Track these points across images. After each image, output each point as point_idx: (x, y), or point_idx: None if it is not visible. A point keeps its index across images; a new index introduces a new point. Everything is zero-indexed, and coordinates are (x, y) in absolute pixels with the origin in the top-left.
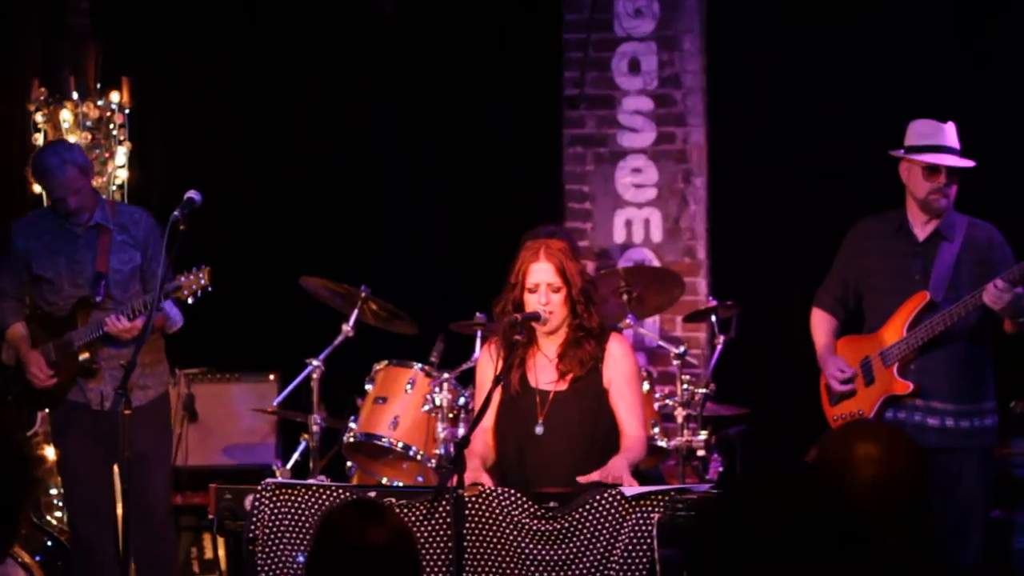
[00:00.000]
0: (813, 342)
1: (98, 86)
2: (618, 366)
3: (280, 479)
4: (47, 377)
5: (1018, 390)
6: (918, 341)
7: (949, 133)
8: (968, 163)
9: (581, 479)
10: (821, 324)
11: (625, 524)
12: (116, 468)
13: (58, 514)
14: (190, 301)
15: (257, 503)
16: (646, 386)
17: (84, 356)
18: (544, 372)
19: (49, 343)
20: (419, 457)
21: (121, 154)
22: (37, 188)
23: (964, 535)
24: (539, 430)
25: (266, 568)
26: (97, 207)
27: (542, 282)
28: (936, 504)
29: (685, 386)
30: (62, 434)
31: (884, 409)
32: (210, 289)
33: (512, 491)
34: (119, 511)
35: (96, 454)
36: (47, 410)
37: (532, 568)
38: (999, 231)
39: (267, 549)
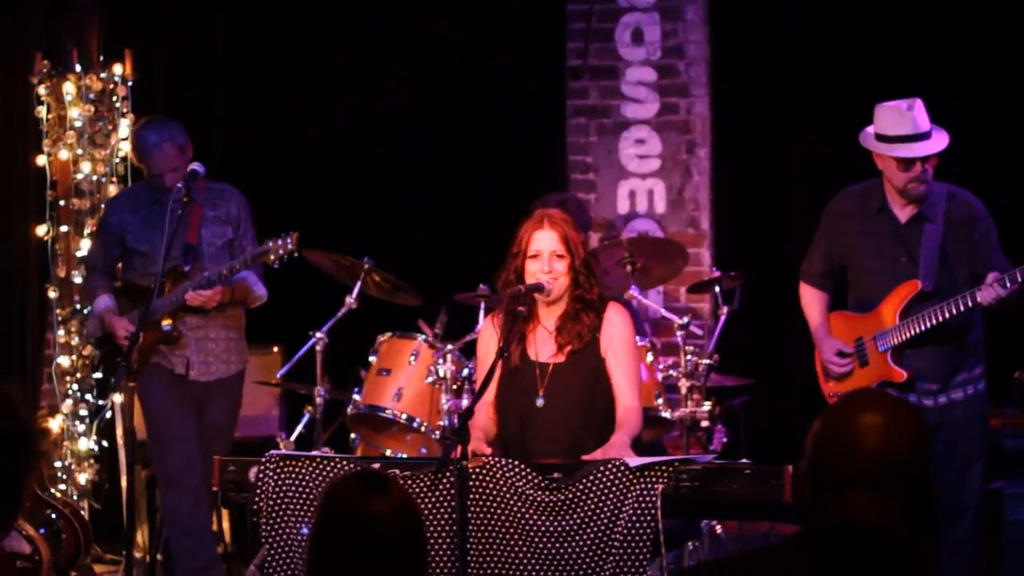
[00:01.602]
0: (806, 318)
1: (101, 58)
2: (615, 333)
3: (284, 451)
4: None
5: (1018, 359)
6: (911, 332)
7: (918, 116)
8: (942, 145)
9: (585, 458)
10: (813, 302)
11: (629, 495)
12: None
13: (62, 487)
14: (276, 266)
15: (261, 475)
16: (649, 357)
17: (167, 323)
18: (544, 345)
19: (133, 312)
20: (423, 429)
21: (124, 127)
22: (41, 161)
23: (962, 502)
24: (540, 402)
25: (270, 540)
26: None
27: (545, 250)
28: (936, 474)
29: (689, 357)
30: (151, 393)
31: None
32: (296, 255)
33: (516, 462)
34: (121, 482)
35: (180, 406)
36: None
37: (536, 539)
38: (980, 202)
39: (271, 521)
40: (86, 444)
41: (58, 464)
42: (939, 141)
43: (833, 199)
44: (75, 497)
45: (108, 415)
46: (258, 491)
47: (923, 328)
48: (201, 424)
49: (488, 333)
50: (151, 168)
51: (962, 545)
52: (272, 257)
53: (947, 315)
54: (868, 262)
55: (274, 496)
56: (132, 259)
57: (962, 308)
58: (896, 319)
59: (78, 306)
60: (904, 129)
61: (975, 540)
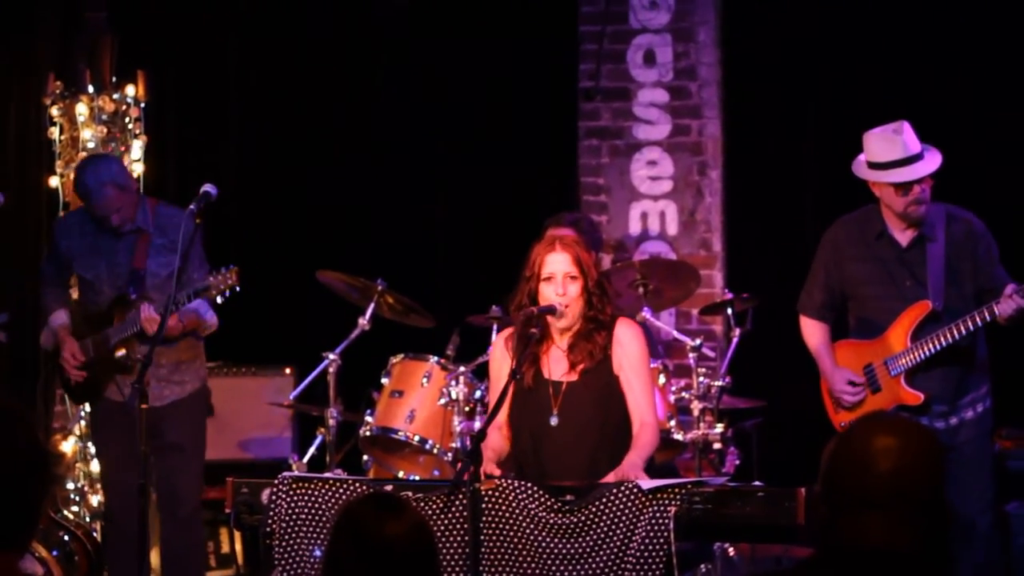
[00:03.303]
0: (812, 352)
1: (114, 79)
2: (627, 350)
3: (297, 473)
4: (77, 363)
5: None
6: (925, 352)
7: (908, 139)
8: (935, 164)
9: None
10: (815, 334)
11: (642, 517)
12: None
13: (75, 508)
14: (219, 300)
15: (274, 497)
16: (662, 379)
17: (120, 352)
18: (557, 364)
19: (88, 339)
20: (435, 451)
21: (137, 148)
22: (53, 182)
23: (974, 524)
24: (554, 421)
25: (283, 562)
26: (138, 211)
27: (558, 272)
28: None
29: (701, 379)
30: (100, 429)
31: None
32: (237, 289)
33: (529, 484)
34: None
35: (133, 447)
36: (86, 404)
37: (549, 561)
38: (978, 219)
39: (284, 543)
40: (99, 466)
41: (71, 486)
42: (932, 161)
43: (829, 229)
44: (87, 519)
45: None
46: (271, 513)
47: (937, 348)
48: (160, 447)
49: (500, 354)
50: (94, 211)
51: (978, 569)
52: (214, 292)
53: (963, 332)
54: (872, 288)
55: (287, 518)
56: (81, 284)
57: (979, 323)
58: (908, 341)
59: None
60: (896, 154)
61: (990, 563)
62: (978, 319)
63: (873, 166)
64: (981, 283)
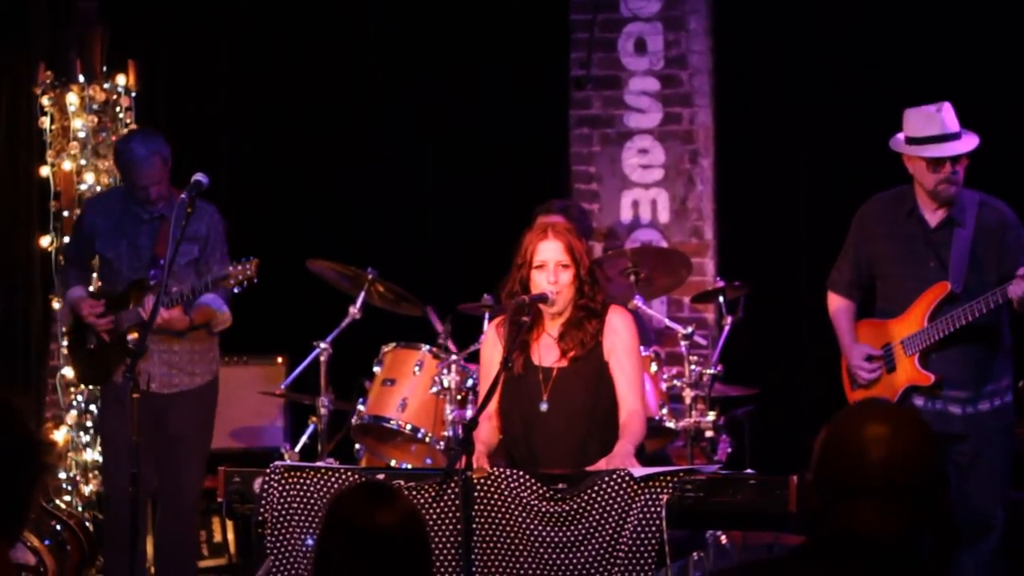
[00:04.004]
0: (834, 328)
1: (104, 69)
2: (617, 337)
3: (289, 462)
4: (98, 317)
5: None
6: (940, 333)
7: (947, 118)
8: (971, 145)
9: (589, 469)
10: (841, 311)
11: (634, 505)
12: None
13: (67, 498)
14: (236, 291)
15: (266, 486)
16: (654, 367)
17: (132, 336)
18: (547, 350)
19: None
20: (427, 439)
21: None
22: (44, 171)
23: (987, 516)
24: (544, 407)
25: (275, 551)
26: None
27: (551, 260)
28: (959, 485)
29: (693, 367)
30: (106, 411)
31: (906, 397)
32: (256, 281)
33: (521, 472)
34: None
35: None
36: (77, 396)
37: (541, 550)
38: (1012, 209)
39: (276, 532)
40: (91, 455)
41: (63, 475)
42: (968, 142)
43: (863, 205)
44: (80, 508)
45: None
46: (263, 502)
47: (952, 329)
48: (163, 436)
49: (492, 341)
50: (138, 180)
51: (987, 561)
52: (232, 282)
53: (976, 314)
54: (896, 267)
55: (279, 507)
56: (101, 265)
57: (992, 305)
58: (925, 322)
59: None
60: (933, 130)
61: (994, 563)
62: (991, 301)
63: (909, 141)
64: (1005, 271)
